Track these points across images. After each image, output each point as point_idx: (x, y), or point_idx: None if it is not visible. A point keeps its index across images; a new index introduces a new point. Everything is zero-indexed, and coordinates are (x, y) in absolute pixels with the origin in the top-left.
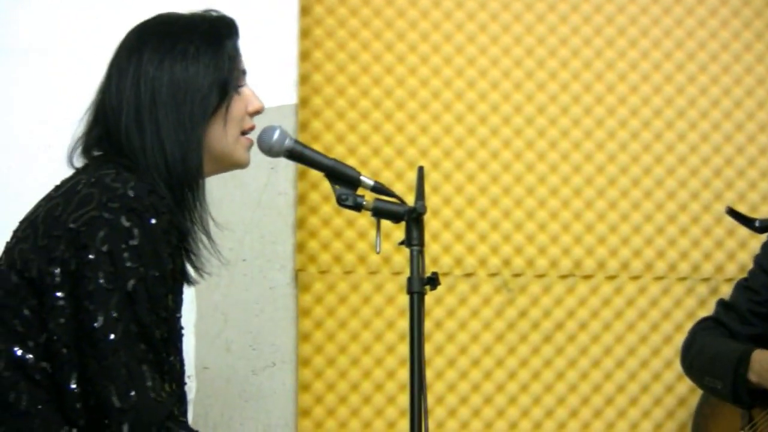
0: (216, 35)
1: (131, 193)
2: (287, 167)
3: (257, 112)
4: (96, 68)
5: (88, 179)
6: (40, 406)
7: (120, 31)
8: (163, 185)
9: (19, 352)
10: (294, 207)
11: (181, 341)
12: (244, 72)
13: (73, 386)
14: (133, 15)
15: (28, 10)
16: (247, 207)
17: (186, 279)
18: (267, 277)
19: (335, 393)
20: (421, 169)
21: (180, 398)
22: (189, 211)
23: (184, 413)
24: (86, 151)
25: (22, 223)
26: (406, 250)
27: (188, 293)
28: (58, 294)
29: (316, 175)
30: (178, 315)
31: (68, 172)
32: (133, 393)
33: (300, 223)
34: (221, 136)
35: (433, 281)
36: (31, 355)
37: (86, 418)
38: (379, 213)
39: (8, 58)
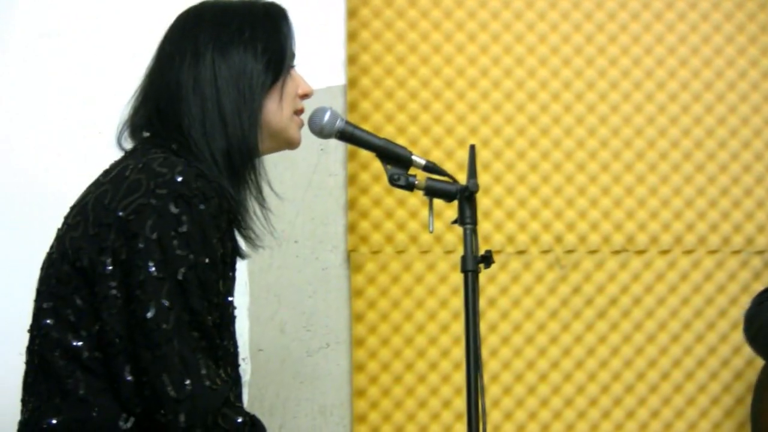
0: (270, 17)
1: (179, 179)
2: (337, 148)
3: (307, 96)
4: (140, 51)
5: (135, 164)
6: (97, 395)
7: (162, 16)
8: (218, 163)
9: (74, 342)
10: (344, 188)
11: (234, 325)
12: (294, 55)
13: (128, 377)
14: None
15: None
16: (298, 189)
17: (239, 254)
18: (319, 258)
19: (390, 373)
20: (472, 148)
21: (235, 382)
22: (246, 184)
23: (239, 396)
24: (134, 133)
25: (72, 209)
26: (458, 229)
27: (241, 276)
28: (111, 284)
29: (366, 155)
30: (230, 299)
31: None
32: (188, 382)
33: (351, 204)
34: (277, 111)
35: (487, 259)
36: (85, 345)
37: (143, 407)
38: (431, 192)
39: (53, 41)
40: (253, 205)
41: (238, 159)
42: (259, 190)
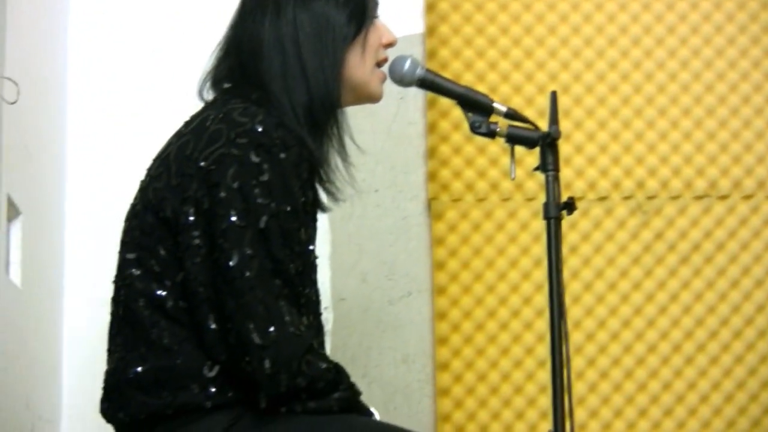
0: None
1: (259, 128)
2: (416, 97)
3: (391, 45)
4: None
5: (216, 114)
6: (181, 343)
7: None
8: (299, 114)
9: (158, 292)
10: (424, 136)
11: (316, 273)
12: (377, 4)
13: (212, 325)
14: None
15: None
16: (377, 137)
17: (320, 207)
18: (400, 207)
19: (471, 320)
20: (553, 94)
21: (317, 330)
22: (327, 137)
23: (322, 344)
24: (216, 84)
25: (154, 161)
26: (539, 176)
27: (322, 225)
28: (194, 233)
29: (445, 103)
30: (311, 247)
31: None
32: (272, 329)
33: (431, 152)
34: (359, 63)
35: (570, 206)
36: (169, 294)
37: (227, 355)
38: (513, 139)
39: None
40: (335, 159)
41: (320, 113)
42: (342, 144)
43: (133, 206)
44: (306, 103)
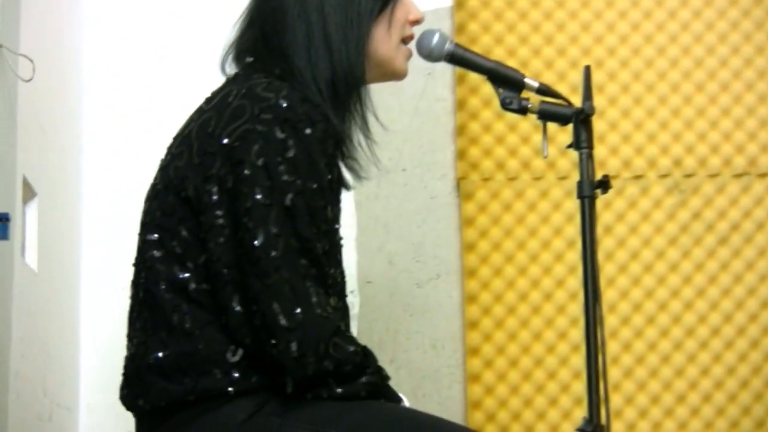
0: None
1: (284, 103)
2: (444, 72)
3: (417, 22)
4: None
5: (238, 90)
6: (204, 327)
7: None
8: (322, 89)
9: (180, 274)
10: (453, 113)
11: (341, 253)
12: None
13: (237, 307)
14: None
15: None
16: (404, 115)
17: (344, 185)
18: (428, 186)
19: (503, 304)
20: (587, 69)
21: (344, 312)
22: (350, 114)
23: (348, 325)
24: (239, 57)
25: (175, 139)
26: (571, 154)
27: (348, 206)
28: (217, 213)
29: (474, 79)
30: (337, 226)
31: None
32: (298, 310)
33: (460, 130)
34: (385, 38)
35: (604, 184)
36: (191, 277)
37: (252, 338)
38: (545, 116)
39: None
40: (358, 136)
41: (343, 88)
42: (365, 121)
43: (154, 186)
44: (329, 78)
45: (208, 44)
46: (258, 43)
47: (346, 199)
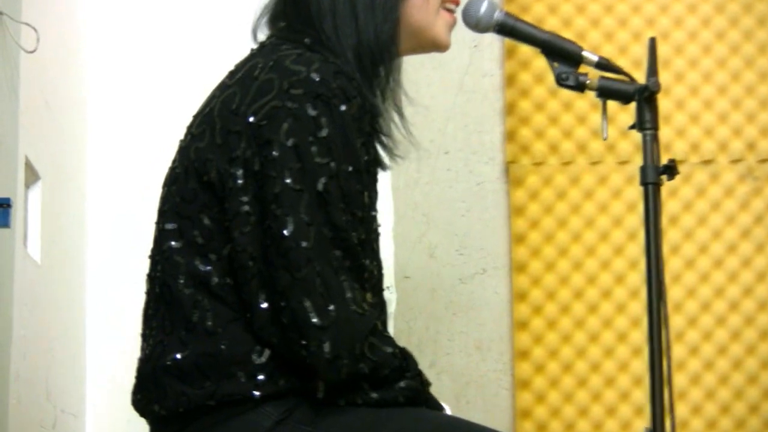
0: None
1: (316, 77)
2: (492, 44)
3: None
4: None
5: (265, 62)
6: (227, 326)
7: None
8: (349, 59)
9: (201, 267)
10: (501, 90)
11: (378, 243)
12: None
13: (263, 304)
14: None
15: None
16: (447, 92)
17: (380, 165)
18: (473, 171)
19: (555, 302)
20: (652, 41)
21: (381, 309)
22: (381, 88)
23: (384, 324)
24: (272, 21)
25: (195, 117)
26: (634, 136)
27: (384, 193)
28: (242, 199)
29: (525, 52)
30: (374, 213)
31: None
32: (332, 307)
33: (509, 109)
34: (422, 4)
35: (671, 170)
36: (214, 270)
37: (280, 337)
38: (605, 93)
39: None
40: (391, 113)
41: (368, 58)
42: (395, 97)
43: (172, 169)
44: (354, 47)
45: (224, 14)
46: (287, 8)
47: (382, 185)
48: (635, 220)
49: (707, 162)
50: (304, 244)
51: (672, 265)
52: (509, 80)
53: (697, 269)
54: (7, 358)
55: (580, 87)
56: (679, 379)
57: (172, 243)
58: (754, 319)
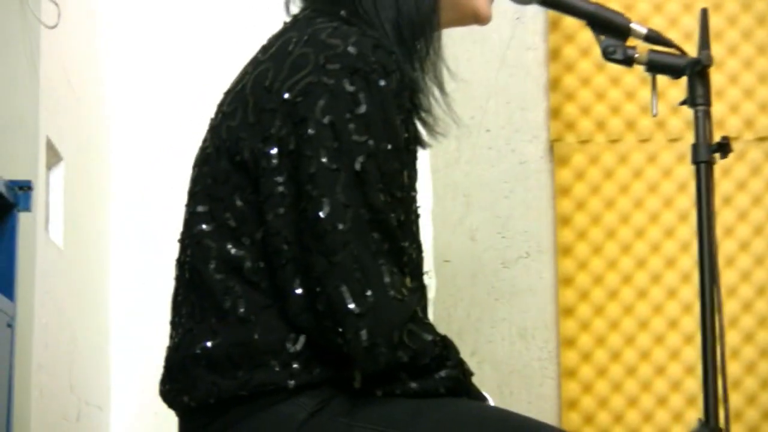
0: None
1: (353, 51)
2: (535, 17)
3: None
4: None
5: (300, 36)
6: (260, 313)
7: None
8: (388, 33)
9: (233, 251)
10: (545, 65)
11: (418, 225)
12: None
13: (298, 290)
14: None
15: None
16: (489, 67)
17: (419, 143)
18: (516, 150)
19: (602, 287)
20: (704, 12)
21: (420, 295)
22: (420, 62)
23: (424, 310)
24: None
25: (227, 95)
26: (685, 112)
27: (423, 172)
28: (277, 179)
29: (570, 25)
30: (414, 193)
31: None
32: (369, 293)
33: (554, 84)
34: None
35: (724, 147)
36: (246, 254)
37: (315, 324)
38: (655, 67)
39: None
40: (431, 88)
41: (408, 31)
42: (435, 71)
43: (203, 149)
44: (393, 19)
45: None
46: None
47: (421, 165)
48: (686, 200)
49: (762, 139)
50: (340, 226)
51: (725, 247)
52: (553, 54)
53: (751, 252)
54: (29, 348)
55: (628, 61)
56: (733, 368)
57: (203, 226)
58: None
